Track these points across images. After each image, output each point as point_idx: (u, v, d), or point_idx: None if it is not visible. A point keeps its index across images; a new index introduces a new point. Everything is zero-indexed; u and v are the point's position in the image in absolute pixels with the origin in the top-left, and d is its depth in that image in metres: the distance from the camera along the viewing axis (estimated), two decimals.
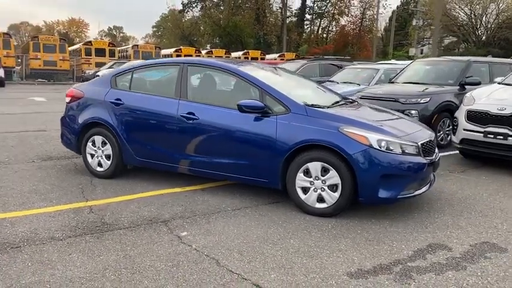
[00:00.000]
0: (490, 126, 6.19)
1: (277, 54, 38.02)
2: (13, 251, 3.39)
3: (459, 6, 43.11)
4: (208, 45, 55.02)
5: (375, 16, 47.92)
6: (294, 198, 4.39)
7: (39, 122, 10.26)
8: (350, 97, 9.05)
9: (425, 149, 4.35)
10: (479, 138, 6.32)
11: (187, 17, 57.23)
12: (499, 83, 7.22)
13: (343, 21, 53.29)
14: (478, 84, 8.01)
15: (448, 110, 7.97)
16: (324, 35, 55.84)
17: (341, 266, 3.23)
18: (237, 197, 4.80)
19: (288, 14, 52.55)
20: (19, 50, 35.44)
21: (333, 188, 4.17)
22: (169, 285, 2.92)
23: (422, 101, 7.86)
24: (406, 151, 4.14)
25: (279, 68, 6.09)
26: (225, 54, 35.91)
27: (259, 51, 38.16)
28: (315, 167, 4.21)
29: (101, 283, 2.92)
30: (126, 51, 34.51)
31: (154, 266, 3.19)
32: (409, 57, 32.74)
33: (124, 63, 20.26)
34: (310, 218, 4.22)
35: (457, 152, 7.25)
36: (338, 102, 5.02)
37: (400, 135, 4.20)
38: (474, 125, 6.42)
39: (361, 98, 8.66)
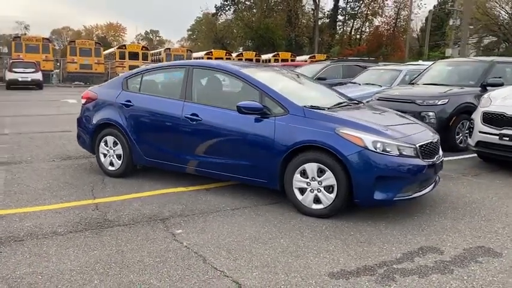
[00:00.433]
0: (506, 128, 6.00)
1: (308, 56, 37.86)
2: (16, 244, 3.60)
3: (500, 5, 41.63)
4: (241, 48, 55.48)
5: (410, 16, 46.91)
6: (291, 199, 4.42)
7: (66, 123, 10.67)
8: (357, 99, 9.08)
9: (425, 151, 4.29)
10: (495, 140, 6.14)
11: (221, 20, 57.97)
12: None
13: (376, 21, 52.57)
14: (500, 85, 7.76)
15: (467, 112, 7.74)
16: (357, 36, 55.16)
17: (325, 267, 3.25)
18: (238, 197, 4.88)
19: (320, 15, 52.29)
20: (59, 54, 36.87)
21: (329, 189, 4.18)
22: (153, 279, 3.03)
23: (439, 103, 7.69)
24: (404, 153, 4.10)
25: (290, 70, 6.14)
26: (255, 56, 36.09)
27: (290, 53, 38.11)
28: (311, 167, 4.24)
29: (89, 276, 3.06)
30: (159, 54, 35.28)
31: (143, 261, 3.31)
32: (445, 58, 31.90)
33: None
34: (306, 219, 4.25)
35: (476, 155, 7.06)
36: (341, 103, 5.02)
37: (398, 137, 4.17)
38: (490, 127, 6.25)
39: (378, 99, 8.60)
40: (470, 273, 3.17)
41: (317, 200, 4.26)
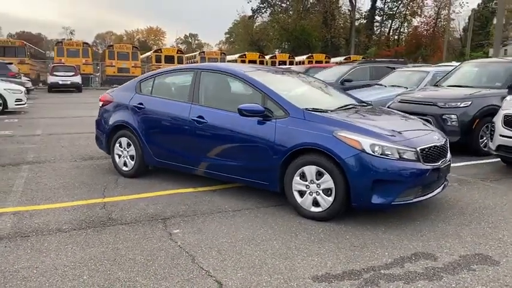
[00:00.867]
0: None
1: (343, 57, 37.42)
2: (21, 239, 3.79)
3: None
4: (277, 50, 55.56)
5: (451, 16, 45.50)
6: (291, 202, 4.43)
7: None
8: (375, 101, 8.91)
9: (427, 155, 4.19)
10: None
11: (257, 23, 58.30)
12: None
13: (415, 21, 51.29)
14: None
15: (492, 115, 7.41)
16: (395, 37, 54.02)
17: (310, 269, 3.24)
18: (241, 199, 4.92)
19: (357, 16, 51.60)
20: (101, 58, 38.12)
21: (327, 192, 4.16)
22: (139, 276, 3.12)
23: (462, 105, 7.46)
24: (404, 156, 4.02)
25: (301, 73, 6.14)
26: (289, 58, 36.04)
27: (324, 55, 37.81)
28: (310, 170, 4.23)
29: (80, 271, 3.19)
30: (194, 57, 35.88)
31: (134, 259, 3.41)
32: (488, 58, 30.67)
33: None
34: (305, 222, 4.24)
35: (499, 159, 6.80)
36: (346, 106, 4.97)
37: (398, 140, 4.09)
38: (511, 130, 6.00)
39: (399, 102, 8.44)
40: (460, 281, 3.08)
41: (316, 203, 4.24)
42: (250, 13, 56.28)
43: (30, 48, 31.77)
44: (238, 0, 71.36)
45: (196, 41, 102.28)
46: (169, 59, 31.29)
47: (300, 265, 3.32)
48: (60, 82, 25.05)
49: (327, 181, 4.13)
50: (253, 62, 32.46)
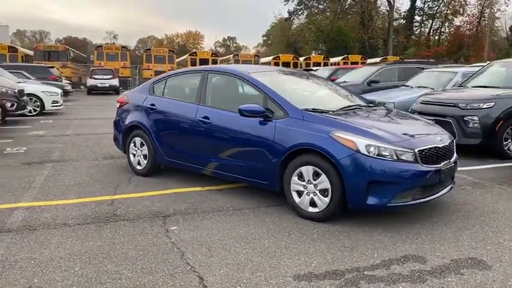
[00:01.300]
0: None
1: (380, 58, 36.77)
2: (28, 232, 4.01)
3: None
4: (314, 52, 55.25)
5: (495, 14, 43.79)
6: (289, 202, 4.45)
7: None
8: (390, 102, 8.72)
9: (427, 156, 4.10)
10: None
11: (295, 25, 58.15)
12: None
13: (457, 21, 49.66)
14: None
15: None
16: (436, 37, 52.49)
17: (294, 268, 3.26)
18: (245, 198, 4.98)
19: (396, 16, 50.54)
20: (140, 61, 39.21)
21: (324, 192, 4.16)
22: (126, 270, 3.24)
23: (484, 106, 7.21)
24: (401, 157, 3.96)
25: (311, 74, 6.15)
26: (323, 59, 35.77)
27: (360, 56, 37.26)
28: (307, 170, 4.24)
29: (73, 263, 3.35)
30: (228, 60, 36.26)
31: (126, 253, 3.54)
32: None
33: None
34: (302, 222, 4.25)
35: None
36: (350, 107, 4.94)
37: (395, 141, 4.03)
38: None
39: (421, 103, 8.26)
40: (444, 284, 3.01)
41: (313, 204, 4.25)
42: (286, 15, 56.26)
43: (72, 53, 33.13)
44: (278, 3, 71.43)
45: (235, 44, 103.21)
46: (204, 62, 31.76)
47: (284, 264, 3.34)
48: (99, 85, 25.99)
49: (324, 181, 4.13)
50: (286, 63, 32.48)
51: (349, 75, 13.44)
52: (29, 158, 7.28)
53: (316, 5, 55.83)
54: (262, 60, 36.13)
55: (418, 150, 4.04)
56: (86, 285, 3.02)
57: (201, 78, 5.43)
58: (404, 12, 51.25)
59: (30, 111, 13.76)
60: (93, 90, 26.15)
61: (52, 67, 22.47)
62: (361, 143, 3.96)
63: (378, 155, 3.93)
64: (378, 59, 36.70)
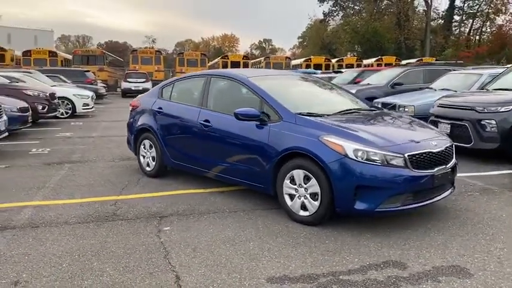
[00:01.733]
0: None
1: (415, 60, 35.89)
2: (30, 229, 4.23)
3: None
4: (349, 53, 54.59)
5: None
6: (282, 205, 4.49)
7: None
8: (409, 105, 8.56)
9: (419, 161, 4.04)
10: None
11: (331, 26, 57.65)
12: None
13: (499, 20, 47.75)
14: None
15: None
16: (476, 37, 50.69)
17: (270, 271, 3.30)
18: (243, 201, 5.05)
19: (434, 16, 49.20)
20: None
21: (314, 196, 4.17)
22: (109, 268, 3.38)
23: (502, 110, 6.96)
24: (391, 162, 3.93)
25: (314, 78, 6.16)
26: (356, 61, 35.29)
27: (394, 57, 36.49)
28: (298, 174, 4.27)
29: (63, 260, 3.52)
30: (259, 63, 36.41)
31: (114, 252, 3.69)
32: None
33: None
34: (293, 225, 4.28)
35: None
36: (348, 110, 4.92)
37: (384, 146, 3.99)
38: None
39: (438, 106, 8.08)
40: None
41: (304, 207, 4.27)
42: (321, 17, 55.88)
43: (109, 57, 34.22)
44: (314, 4, 70.94)
45: (270, 46, 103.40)
46: (235, 65, 32.05)
47: (263, 266, 3.39)
48: (133, 88, 26.73)
49: (314, 185, 4.14)
50: (318, 65, 32.26)
51: (372, 78, 13.25)
52: (51, 159, 7.63)
53: (352, 5, 55.17)
54: (293, 62, 36.06)
55: (409, 155, 3.98)
56: (69, 280, 3.18)
57: (204, 83, 5.55)
58: (443, 11, 49.82)
59: (62, 114, 14.37)
60: (127, 93, 26.92)
61: (88, 71, 23.34)
62: (349, 147, 3.95)
63: (366, 159, 3.92)
64: (413, 60, 35.86)
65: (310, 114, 4.52)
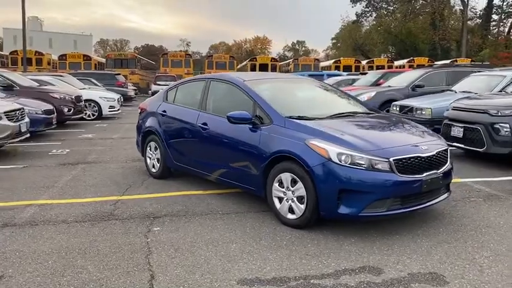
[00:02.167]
0: None
1: (450, 60, 34.93)
2: (30, 227, 4.42)
3: None
4: (382, 55, 53.68)
5: None
6: (271, 208, 4.51)
7: None
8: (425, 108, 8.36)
9: (406, 166, 3.97)
10: None
11: (365, 27, 56.86)
12: None
13: None
14: None
15: None
16: None
17: (244, 273, 3.34)
18: (238, 203, 5.10)
19: (471, 15, 47.63)
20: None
21: (301, 199, 4.18)
22: (91, 265, 3.50)
23: None
24: (376, 166, 3.88)
25: (315, 81, 6.15)
26: (387, 62, 34.69)
27: (427, 59, 35.63)
28: (286, 177, 4.28)
29: (50, 257, 3.67)
30: (288, 65, 36.38)
31: (101, 250, 3.81)
32: None
33: None
34: (281, 228, 4.29)
35: None
36: (342, 114, 4.89)
37: (369, 149, 3.95)
38: None
39: (452, 109, 7.87)
40: None
41: (291, 210, 4.28)
42: (354, 18, 55.18)
43: (141, 60, 35.07)
44: (348, 6, 70.13)
45: (304, 48, 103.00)
46: (264, 67, 32.20)
47: (238, 268, 3.43)
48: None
49: (300, 188, 4.15)
50: (348, 67, 31.95)
51: (393, 80, 13.02)
52: (67, 160, 7.93)
53: (386, 6, 54.21)
54: (322, 64, 35.82)
55: (394, 160, 3.92)
56: (49, 276, 3.32)
57: (204, 86, 5.65)
58: (480, 10, 48.17)
59: (88, 116, 14.87)
60: None
61: (118, 74, 24.03)
62: (332, 151, 3.94)
63: (350, 163, 3.89)
64: (447, 61, 34.90)
65: (301, 118, 4.52)
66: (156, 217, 4.69)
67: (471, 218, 4.56)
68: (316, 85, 5.88)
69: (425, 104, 9.55)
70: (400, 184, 3.90)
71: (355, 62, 34.11)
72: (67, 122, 13.14)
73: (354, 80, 16.60)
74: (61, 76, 17.32)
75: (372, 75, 15.70)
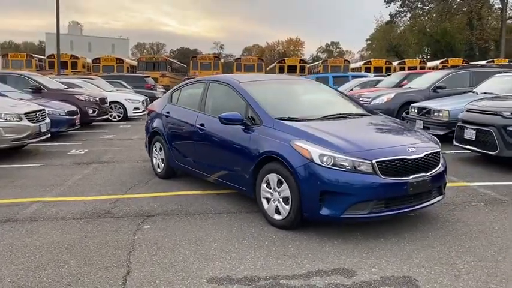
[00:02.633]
0: None
1: (486, 61, 33.72)
2: (28, 223, 4.62)
3: None
4: (417, 55, 52.44)
5: None
6: (260, 208, 4.53)
7: None
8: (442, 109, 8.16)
9: (390, 168, 3.90)
10: None
11: (400, 27, 55.74)
12: None
13: None
14: None
15: None
16: None
17: (217, 271, 3.38)
18: (233, 203, 5.15)
19: (511, 14, 45.83)
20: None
21: (286, 200, 4.18)
22: (74, 261, 3.63)
23: None
24: (358, 168, 3.84)
25: (314, 82, 6.12)
26: (420, 63, 33.86)
27: (462, 59, 34.52)
28: (272, 178, 4.30)
29: (37, 251, 3.83)
30: (317, 67, 36.14)
31: (87, 247, 3.94)
32: None
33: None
34: (267, 228, 4.31)
35: None
36: (334, 115, 4.86)
37: (352, 151, 3.91)
38: None
39: (466, 111, 7.64)
40: None
41: (278, 211, 4.29)
42: (388, 18, 54.17)
43: (172, 63, 35.72)
44: (382, 6, 69.02)
45: (338, 49, 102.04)
46: (292, 69, 32.12)
47: (212, 266, 3.47)
48: None
49: (285, 189, 4.16)
50: (378, 68, 31.43)
51: (415, 81, 12.72)
52: (83, 159, 8.21)
53: (421, 6, 52.95)
54: (352, 65, 35.36)
55: (377, 161, 3.86)
56: (33, 270, 3.47)
57: (204, 88, 5.74)
58: None
59: (114, 117, 15.31)
60: None
61: (148, 77, 24.55)
62: (315, 152, 3.92)
63: (332, 164, 3.87)
64: (483, 62, 33.71)
65: (290, 119, 4.53)
66: (149, 216, 4.80)
67: (465, 222, 4.43)
68: (314, 86, 5.86)
69: (443, 106, 9.30)
70: (383, 186, 3.84)
71: (386, 63, 33.46)
72: (92, 123, 13.58)
73: (378, 81, 16.32)
74: (91, 79, 17.91)
75: (396, 77, 15.40)
